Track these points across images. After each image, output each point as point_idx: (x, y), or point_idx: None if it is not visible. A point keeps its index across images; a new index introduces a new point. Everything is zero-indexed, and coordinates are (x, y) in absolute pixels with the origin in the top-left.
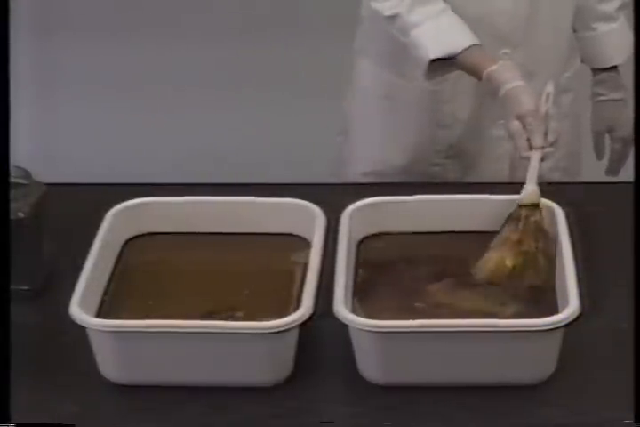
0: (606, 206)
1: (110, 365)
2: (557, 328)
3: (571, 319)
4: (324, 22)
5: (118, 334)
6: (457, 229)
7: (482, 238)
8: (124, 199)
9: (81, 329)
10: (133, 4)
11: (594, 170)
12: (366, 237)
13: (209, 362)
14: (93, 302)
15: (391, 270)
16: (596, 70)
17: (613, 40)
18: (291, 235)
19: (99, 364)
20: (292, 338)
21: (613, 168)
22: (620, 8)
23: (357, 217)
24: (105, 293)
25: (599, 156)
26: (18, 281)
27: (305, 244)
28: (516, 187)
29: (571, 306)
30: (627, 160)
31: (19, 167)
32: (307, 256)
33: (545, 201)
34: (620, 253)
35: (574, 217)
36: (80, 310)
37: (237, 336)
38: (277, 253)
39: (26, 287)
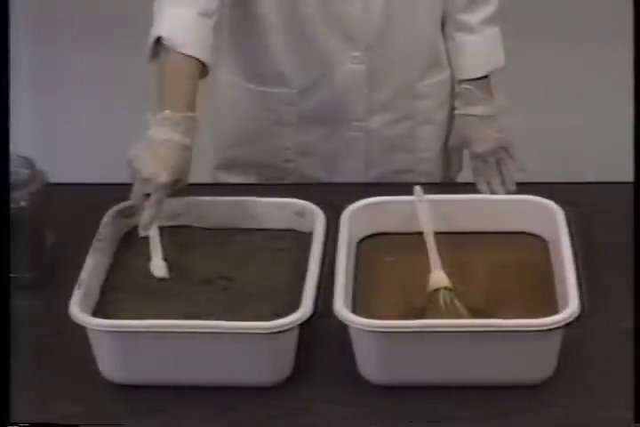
0: (606, 206)
1: (110, 365)
2: (557, 328)
3: (570, 319)
4: None
5: (118, 334)
6: (457, 229)
7: (481, 239)
8: (124, 199)
9: (81, 327)
10: (133, 5)
11: (594, 170)
12: (366, 237)
13: (209, 362)
14: (93, 300)
15: (391, 270)
16: (457, 81)
17: (471, 52)
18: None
19: (99, 364)
20: (293, 338)
21: (494, 188)
22: (484, 22)
23: (357, 217)
24: (104, 290)
25: (452, 171)
26: (20, 269)
27: (307, 243)
28: (519, 187)
29: (570, 306)
30: (510, 178)
31: (21, 156)
32: (307, 256)
33: (545, 201)
34: (619, 253)
35: (574, 217)
36: (79, 309)
37: (237, 336)
38: (279, 251)
39: (28, 275)
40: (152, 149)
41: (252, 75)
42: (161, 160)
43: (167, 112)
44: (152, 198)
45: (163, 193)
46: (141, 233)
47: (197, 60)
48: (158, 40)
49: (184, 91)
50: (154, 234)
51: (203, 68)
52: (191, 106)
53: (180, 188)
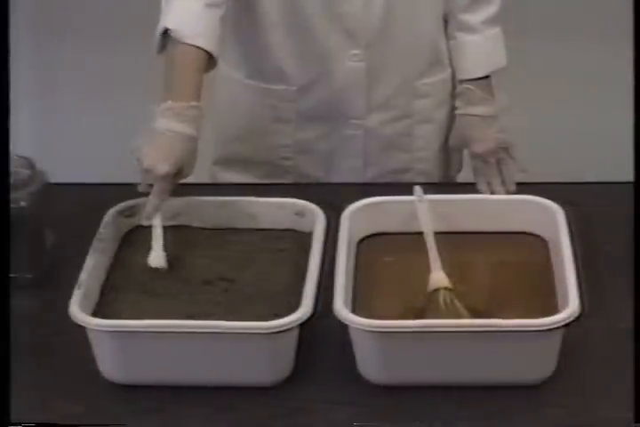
0: (606, 206)
1: (110, 365)
2: (557, 328)
3: (570, 319)
4: None
5: (118, 334)
6: (457, 229)
7: (481, 239)
8: (124, 199)
9: (81, 327)
10: (133, 5)
11: (594, 170)
12: (366, 237)
13: (209, 362)
14: (92, 300)
15: (391, 270)
16: (458, 81)
17: (472, 52)
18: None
19: (99, 364)
20: (292, 338)
21: (495, 188)
22: (486, 22)
23: (357, 217)
24: (104, 290)
25: (452, 170)
26: (20, 269)
27: (307, 243)
28: (519, 187)
29: (570, 306)
30: (510, 178)
31: (21, 156)
32: (307, 256)
33: (545, 201)
34: (619, 253)
35: (574, 217)
36: (79, 309)
37: (237, 336)
38: (279, 252)
39: (28, 275)
40: (154, 139)
41: (252, 71)
42: (162, 151)
43: (170, 102)
44: (154, 189)
45: (163, 184)
46: (144, 222)
47: (204, 50)
48: (166, 33)
49: (189, 81)
50: (156, 224)
51: (210, 59)
52: (196, 96)
53: (184, 177)
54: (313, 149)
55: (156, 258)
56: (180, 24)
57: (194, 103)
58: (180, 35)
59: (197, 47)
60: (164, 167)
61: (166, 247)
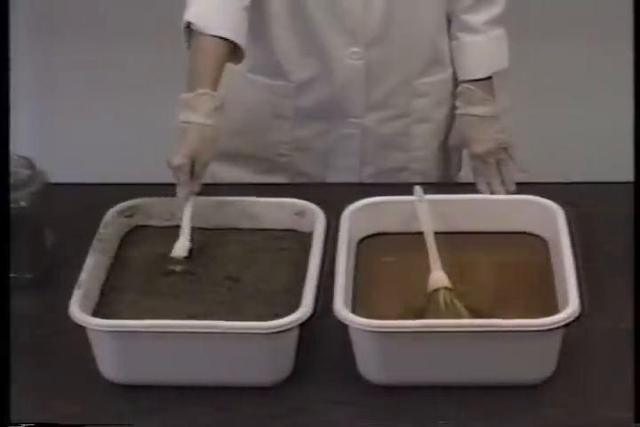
0: (606, 206)
1: (110, 365)
2: (557, 328)
3: (570, 319)
4: None
5: (118, 334)
6: (457, 229)
7: (481, 239)
8: (124, 199)
9: (81, 327)
10: (134, 5)
11: (594, 170)
12: (366, 237)
13: (209, 362)
14: (92, 300)
15: (391, 270)
16: (459, 81)
17: (473, 53)
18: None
19: (99, 364)
20: (292, 338)
21: (495, 188)
22: (489, 23)
23: (357, 217)
24: (104, 290)
25: (452, 170)
26: (20, 269)
27: (307, 243)
28: (519, 187)
29: (570, 306)
30: (510, 178)
31: (21, 156)
32: (307, 256)
33: (545, 201)
34: (619, 253)
35: (574, 217)
36: (79, 309)
37: (237, 336)
38: (280, 252)
39: (28, 275)
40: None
41: (254, 65)
42: (177, 143)
43: (182, 95)
44: (178, 180)
45: (183, 175)
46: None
47: (224, 40)
48: (189, 27)
49: (202, 70)
50: (185, 215)
51: (235, 50)
52: (205, 83)
53: (205, 164)
54: (310, 146)
55: (180, 248)
56: (200, 16)
57: (201, 91)
58: (200, 26)
59: (215, 37)
60: (176, 160)
61: (169, 245)
